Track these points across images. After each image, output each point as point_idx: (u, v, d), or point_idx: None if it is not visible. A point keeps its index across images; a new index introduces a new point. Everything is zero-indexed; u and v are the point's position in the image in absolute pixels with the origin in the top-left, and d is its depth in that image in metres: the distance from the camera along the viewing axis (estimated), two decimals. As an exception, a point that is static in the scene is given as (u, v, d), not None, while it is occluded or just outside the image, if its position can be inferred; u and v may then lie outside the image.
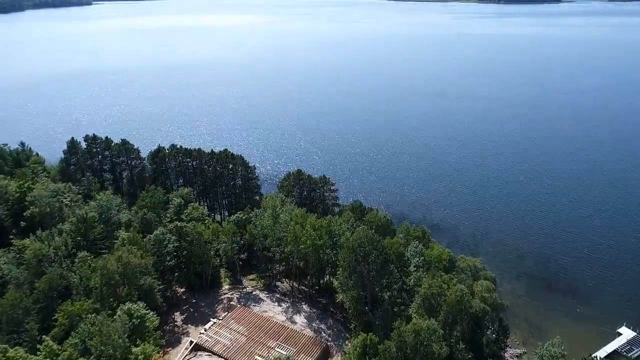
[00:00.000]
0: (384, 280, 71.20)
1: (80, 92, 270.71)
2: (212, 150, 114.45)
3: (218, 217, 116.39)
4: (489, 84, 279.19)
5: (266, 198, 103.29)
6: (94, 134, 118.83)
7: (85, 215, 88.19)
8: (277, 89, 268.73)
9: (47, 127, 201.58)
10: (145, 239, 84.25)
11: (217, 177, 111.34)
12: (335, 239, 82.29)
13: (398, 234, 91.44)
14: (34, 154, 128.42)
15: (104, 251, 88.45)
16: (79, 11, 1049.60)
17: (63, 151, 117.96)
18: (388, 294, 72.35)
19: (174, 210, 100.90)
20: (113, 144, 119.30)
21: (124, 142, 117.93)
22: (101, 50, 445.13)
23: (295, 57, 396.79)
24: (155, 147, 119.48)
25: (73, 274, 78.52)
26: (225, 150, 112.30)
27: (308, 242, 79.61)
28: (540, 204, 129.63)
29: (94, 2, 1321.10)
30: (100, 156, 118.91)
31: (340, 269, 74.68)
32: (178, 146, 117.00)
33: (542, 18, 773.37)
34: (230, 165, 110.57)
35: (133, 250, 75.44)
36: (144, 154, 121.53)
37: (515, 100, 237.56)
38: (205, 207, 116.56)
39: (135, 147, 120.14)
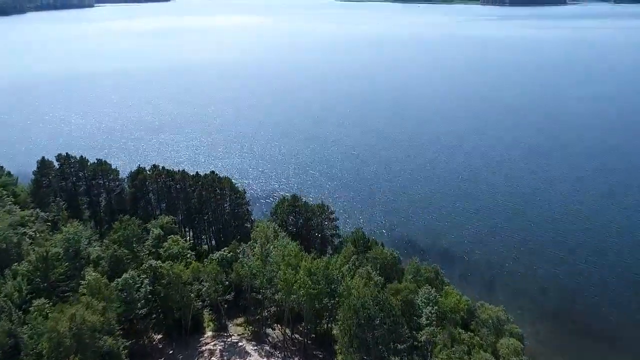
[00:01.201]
0: (392, 345, 59.00)
1: (66, 99, 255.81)
2: (197, 172, 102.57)
3: (205, 247, 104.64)
4: (503, 90, 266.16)
5: (257, 227, 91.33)
6: (67, 153, 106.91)
7: (45, 253, 76.31)
8: (271, 98, 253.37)
9: (24, 140, 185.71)
10: (112, 284, 72.32)
11: (203, 203, 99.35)
12: (333, 286, 70.17)
13: (406, 275, 79.42)
14: (4, 173, 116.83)
15: (67, 294, 76.72)
16: (81, 13, 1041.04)
17: (33, 172, 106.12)
18: (397, 359, 60.09)
19: (152, 243, 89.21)
20: (89, 164, 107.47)
21: (100, 162, 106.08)
22: (96, 53, 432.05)
23: (290, 60, 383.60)
24: (135, 167, 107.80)
25: (26, 326, 66.67)
26: (212, 173, 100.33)
27: (301, 292, 67.47)
28: (567, 230, 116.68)
29: (95, 4, 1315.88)
30: (74, 177, 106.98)
31: (339, 326, 62.64)
32: (160, 167, 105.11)
33: (549, 20, 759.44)
34: (218, 190, 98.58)
35: (93, 304, 63.42)
36: (124, 174, 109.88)
37: (533, 110, 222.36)
38: (190, 235, 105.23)
39: (114, 167, 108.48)
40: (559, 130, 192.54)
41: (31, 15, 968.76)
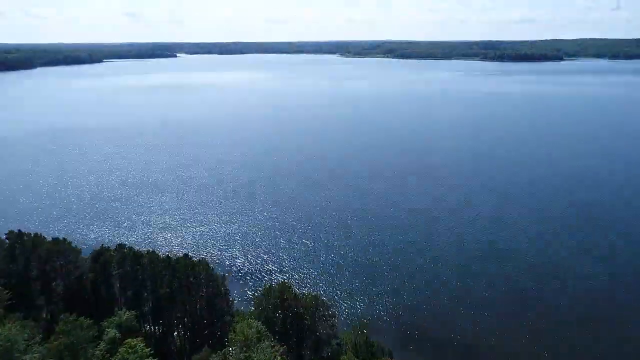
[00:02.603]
0: None
1: (27, 161, 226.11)
2: (168, 255, 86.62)
3: (177, 344, 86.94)
4: (519, 152, 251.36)
5: (238, 323, 74.65)
6: (19, 230, 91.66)
7: (-41, 372, 59.40)
8: (258, 162, 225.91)
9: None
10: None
11: (174, 293, 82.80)
12: None
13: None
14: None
15: None
16: (86, 68, 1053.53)
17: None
18: None
19: (105, 347, 72.09)
20: (45, 241, 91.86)
21: (57, 241, 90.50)
22: (73, 109, 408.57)
23: (282, 120, 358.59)
24: (99, 244, 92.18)
25: None
26: (186, 256, 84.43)
27: None
28: (600, 309, 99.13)
29: (104, 60, 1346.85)
30: (25, 259, 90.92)
31: None
32: (127, 246, 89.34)
33: (545, 76, 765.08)
34: (192, 278, 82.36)
35: None
36: (86, 252, 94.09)
37: (556, 178, 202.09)
38: (159, 331, 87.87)
39: (74, 244, 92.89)
40: (579, 202, 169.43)
41: (38, 70, 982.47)
